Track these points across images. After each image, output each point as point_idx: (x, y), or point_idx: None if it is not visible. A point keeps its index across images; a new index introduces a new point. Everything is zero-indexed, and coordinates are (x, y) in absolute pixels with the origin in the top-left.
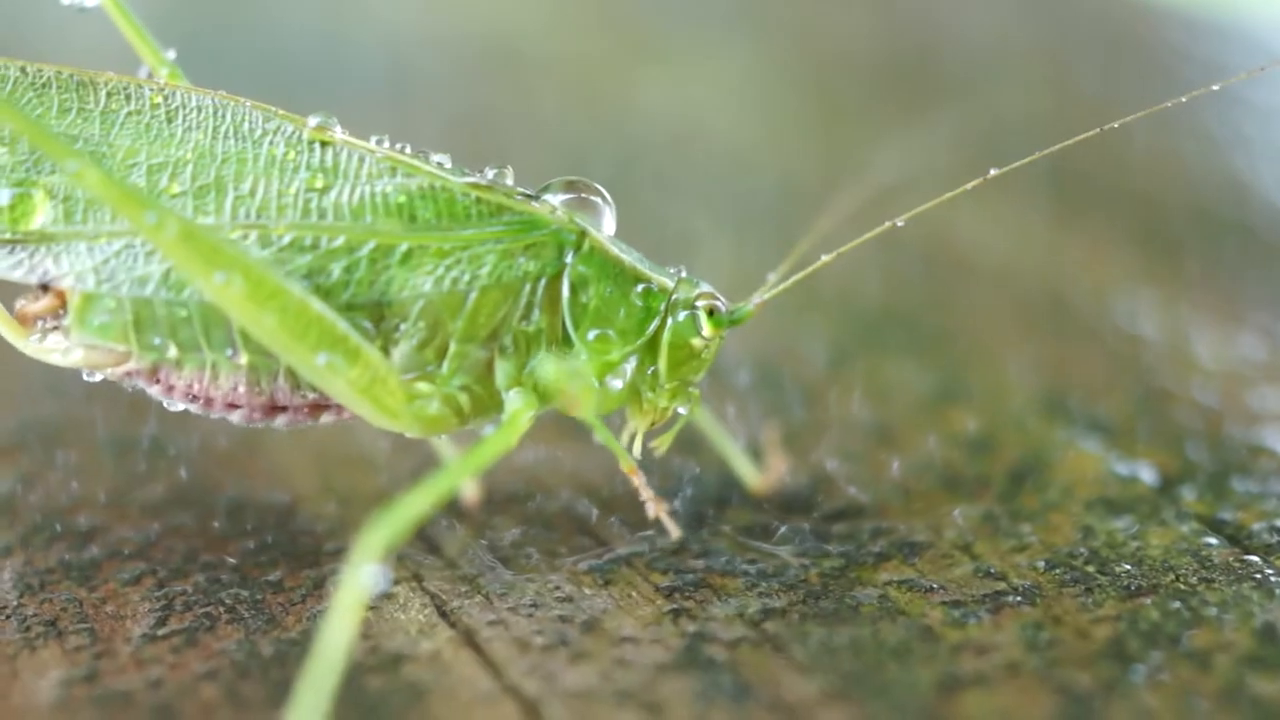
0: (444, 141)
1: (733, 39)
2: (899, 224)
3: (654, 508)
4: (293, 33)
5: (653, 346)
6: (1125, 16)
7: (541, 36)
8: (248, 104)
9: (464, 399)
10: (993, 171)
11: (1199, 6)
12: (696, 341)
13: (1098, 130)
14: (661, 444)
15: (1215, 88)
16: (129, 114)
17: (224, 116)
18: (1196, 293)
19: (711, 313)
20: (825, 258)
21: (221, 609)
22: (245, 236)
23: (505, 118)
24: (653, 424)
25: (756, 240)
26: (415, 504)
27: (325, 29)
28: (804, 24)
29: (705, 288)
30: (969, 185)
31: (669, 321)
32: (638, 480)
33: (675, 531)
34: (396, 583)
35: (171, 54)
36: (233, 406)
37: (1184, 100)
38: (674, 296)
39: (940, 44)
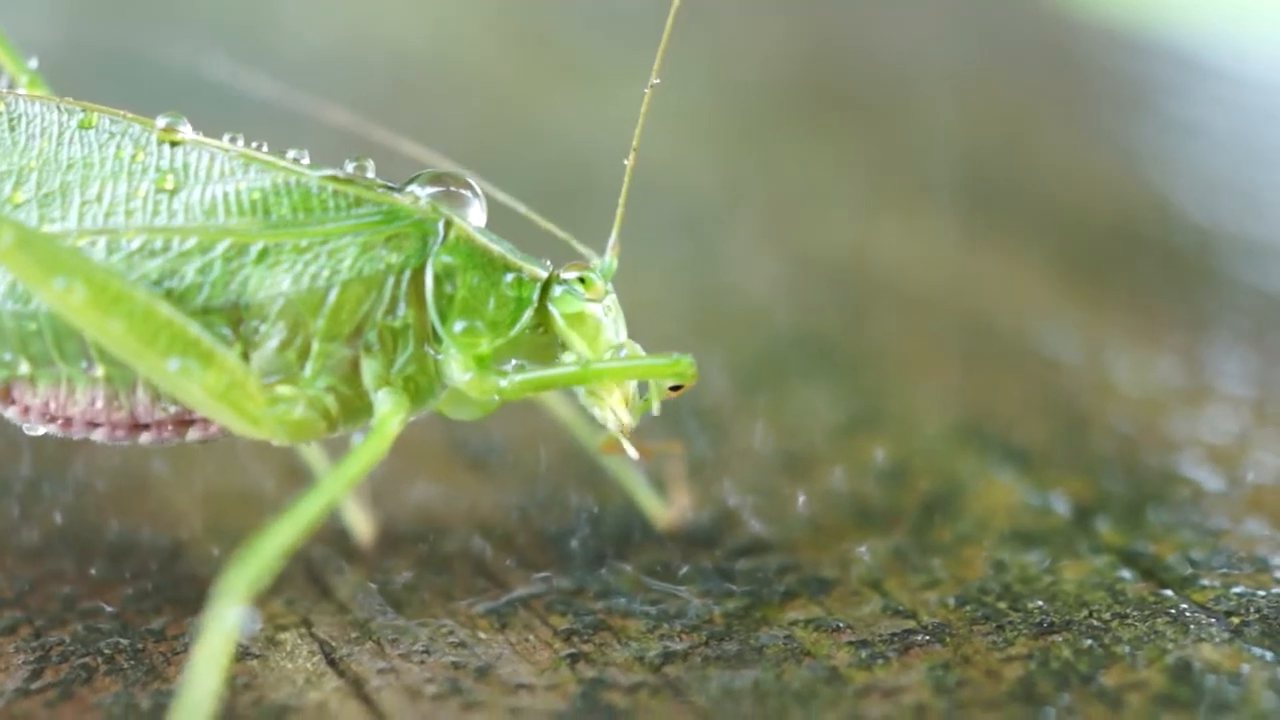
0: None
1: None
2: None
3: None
4: (198, 47)
5: (548, 331)
6: (1050, 31)
7: (459, 56)
8: (95, 108)
9: (330, 401)
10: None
11: (1122, 21)
12: (591, 306)
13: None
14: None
15: None
16: None
17: (69, 122)
18: (1116, 313)
19: (582, 278)
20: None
21: (100, 659)
22: (93, 243)
23: (415, 138)
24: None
25: (660, 256)
26: (279, 536)
27: (228, 46)
28: (726, 44)
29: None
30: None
31: (551, 303)
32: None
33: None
34: (284, 629)
35: (34, 63)
36: (93, 424)
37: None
38: (546, 280)
39: (862, 61)
